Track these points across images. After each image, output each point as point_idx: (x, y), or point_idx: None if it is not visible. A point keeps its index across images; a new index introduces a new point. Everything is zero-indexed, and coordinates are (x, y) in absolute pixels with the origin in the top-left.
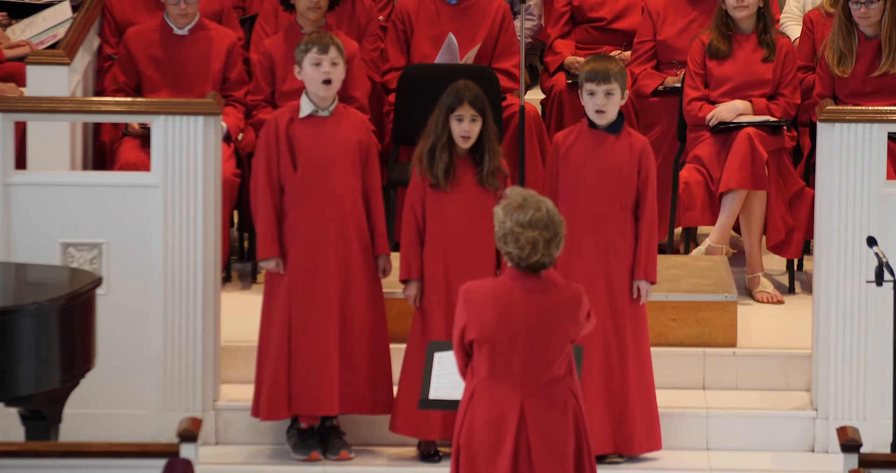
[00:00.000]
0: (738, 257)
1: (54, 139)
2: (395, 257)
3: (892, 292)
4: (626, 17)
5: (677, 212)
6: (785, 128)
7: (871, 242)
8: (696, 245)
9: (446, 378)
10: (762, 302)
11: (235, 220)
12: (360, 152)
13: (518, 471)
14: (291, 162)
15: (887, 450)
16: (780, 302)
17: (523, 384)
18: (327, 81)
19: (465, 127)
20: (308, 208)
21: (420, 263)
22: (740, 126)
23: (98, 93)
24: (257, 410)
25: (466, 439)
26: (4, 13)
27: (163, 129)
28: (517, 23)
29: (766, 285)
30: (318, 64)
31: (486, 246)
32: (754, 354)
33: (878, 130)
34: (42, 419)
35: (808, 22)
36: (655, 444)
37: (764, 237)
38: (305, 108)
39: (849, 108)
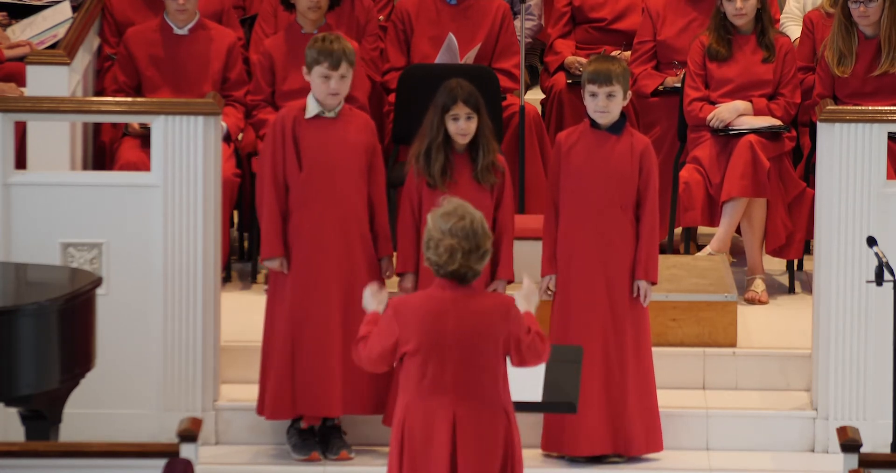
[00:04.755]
0: (738, 257)
1: (54, 139)
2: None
3: (892, 292)
4: (627, 18)
5: (677, 212)
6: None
7: (871, 242)
8: (696, 245)
9: None
10: (747, 301)
11: (235, 220)
12: (366, 155)
13: None
14: (297, 162)
15: (887, 450)
16: (763, 303)
17: (455, 394)
18: (335, 94)
19: (462, 125)
20: (312, 209)
21: (416, 258)
22: (740, 134)
23: (98, 93)
24: (262, 408)
25: (409, 447)
26: (4, 13)
27: (163, 129)
28: (517, 23)
29: (756, 286)
30: (327, 78)
31: None
32: (754, 354)
33: (878, 130)
34: (42, 419)
35: (808, 22)
36: (656, 446)
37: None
38: (312, 108)
39: (849, 108)
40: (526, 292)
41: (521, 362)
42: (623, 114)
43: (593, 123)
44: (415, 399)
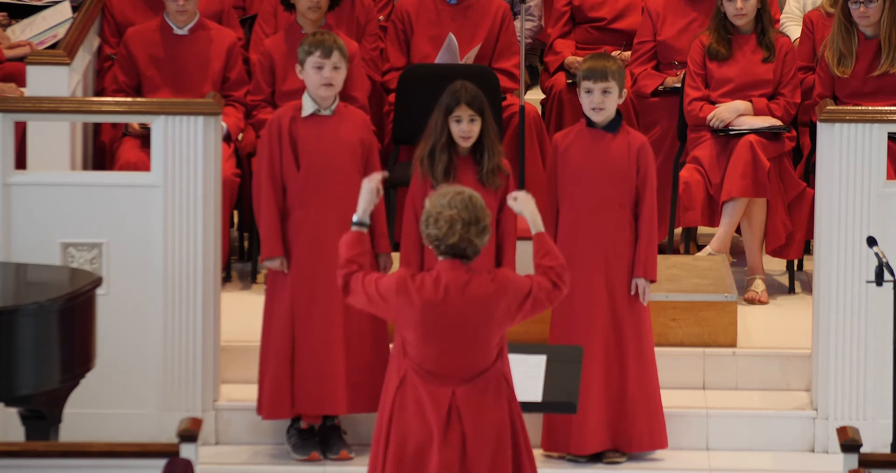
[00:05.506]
0: (738, 257)
1: (54, 139)
2: (396, 257)
3: (892, 292)
4: (626, 17)
5: (677, 212)
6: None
7: (871, 242)
8: (696, 245)
9: None
10: (747, 301)
11: (235, 220)
12: (363, 151)
13: (450, 460)
14: (294, 162)
15: (887, 450)
16: (763, 303)
17: (455, 373)
18: (328, 85)
19: (464, 127)
20: (311, 208)
21: (420, 260)
22: (740, 134)
23: (98, 93)
24: (260, 408)
25: (397, 426)
26: (4, 13)
27: (163, 129)
28: (517, 23)
29: (756, 286)
30: (320, 68)
31: (486, 245)
32: (754, 354)
33: (878, 130)
34: (42, 419)
35: (808, 22)
36: (660, 442)
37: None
38: (308, 107)
39: (849, 108)
40: (522, 200)
41: (531, 313)
42: (619, 112)
43: (589, 122)
44: (412, 373)
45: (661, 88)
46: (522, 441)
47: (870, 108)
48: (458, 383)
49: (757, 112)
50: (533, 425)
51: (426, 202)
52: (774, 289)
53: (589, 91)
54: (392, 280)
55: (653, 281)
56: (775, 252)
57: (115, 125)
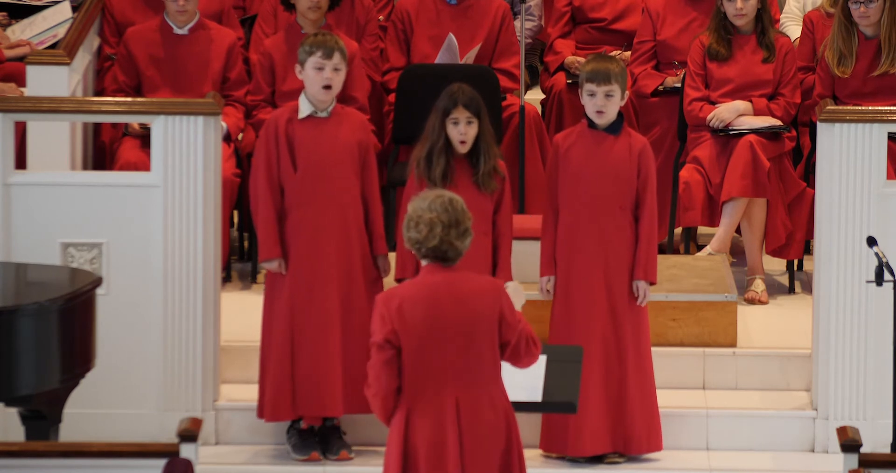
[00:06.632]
0: (738, 257)
1: (54, 139)
2: (394, 257)
3: (892, 292)
4: (627, 18)
5: (677, 212)
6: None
7: (871, 242)
8: (696, 245)
9: None
10: (747, 301)
11: (235, 220)
12: (360, 153)
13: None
14: (292, 163)
15: (887, 450)
16: (763, 303)
17: (456, 380)
18: (328, 87)
19: (462, 130)
20: (309, 210)
21: (416, 261)
22: (740, 134)
23: (98, 93)
24: (261, 411)
25: (413, 443)
26: (4, 13)
27: (163, 129)
28: (517, 23)
29: (756, 286)
30: (320, 68)
31: (482, 247)
32: (754, 354)
33: (878, 130)
34: (42, 419)
35: (808, 22)
36: (656, 445)
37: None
38: (304, 108)
39: (849, 108)
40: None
41: (512, 355)
42: (620, 114)
43: (591, 124)
44: (416, 393)
45: (661, 88)
46: (516, 460)
47: (870, 108)
48: (459, 388)
49: (757, 112)
50: (531, 424)
51: (409, 206)
52: (774, 289)
53: (592, 94)
54: (375, 312)
55: (653, 283)
56: (775, 252)
57: (115, 125)
